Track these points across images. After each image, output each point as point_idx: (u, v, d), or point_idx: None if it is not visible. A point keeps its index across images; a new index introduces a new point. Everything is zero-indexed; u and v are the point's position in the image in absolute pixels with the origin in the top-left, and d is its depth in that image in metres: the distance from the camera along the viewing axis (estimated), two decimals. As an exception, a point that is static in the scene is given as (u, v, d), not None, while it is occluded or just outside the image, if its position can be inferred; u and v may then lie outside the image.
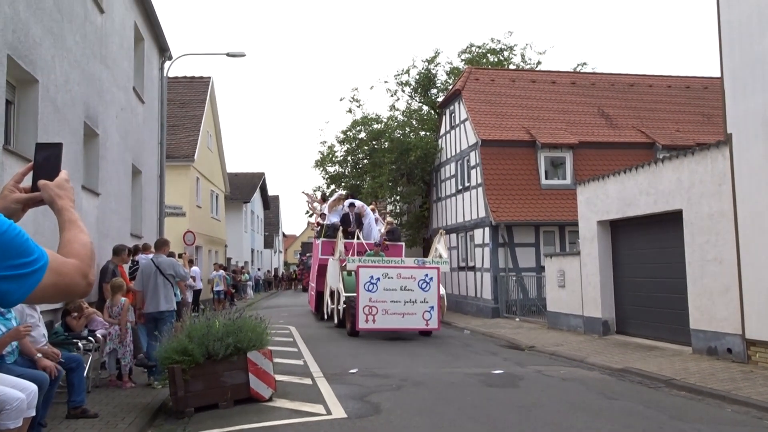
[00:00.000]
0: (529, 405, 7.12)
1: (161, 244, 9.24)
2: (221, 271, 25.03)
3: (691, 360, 9.84)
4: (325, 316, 16.81)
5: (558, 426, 6.16)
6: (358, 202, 19.76)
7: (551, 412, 6.80)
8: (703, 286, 10.25)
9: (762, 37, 9.00)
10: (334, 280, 15.61)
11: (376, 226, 18.69)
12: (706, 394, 7.61)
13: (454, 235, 23.36)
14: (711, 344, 10.04)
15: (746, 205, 9.21)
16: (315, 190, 34.48)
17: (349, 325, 14.12)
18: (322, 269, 17.36)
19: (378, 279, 13.36)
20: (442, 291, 14.32)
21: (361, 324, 13.25)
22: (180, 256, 12.56)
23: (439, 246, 15.58)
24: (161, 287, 8.63)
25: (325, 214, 19.44)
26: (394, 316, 13.32)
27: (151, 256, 9.47)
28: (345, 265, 14.64)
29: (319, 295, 18.34)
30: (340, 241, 15.88)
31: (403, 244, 18.98)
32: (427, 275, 13.66)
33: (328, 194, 25.31)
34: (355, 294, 13.73)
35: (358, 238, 17.31)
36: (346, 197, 19.93)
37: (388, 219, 19.57)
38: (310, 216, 35.68)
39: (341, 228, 17.03)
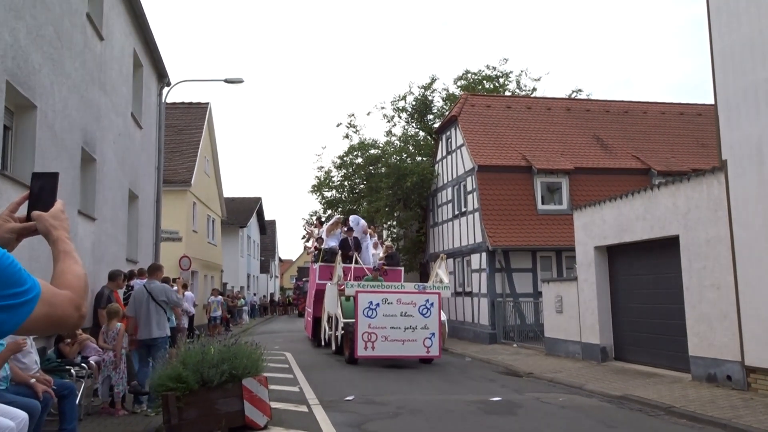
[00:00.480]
0: (527, 433, 7.02)
1: (154, 270, 9.16)
2: (219, 297, 24.67)
3: (691, 387, 9.75)
4: (323, 343, 16.53)
5: (557, 455, 6.06)
6: (362, 221, 19.49)
7: (550, 440, 6.70)
8: (701, 312, 10.21)
9: (754, 66, 9.12)
10: (332, 305, 15.27)
11: (374, 251, 18.45)
12: (707, 422, 7.53)
13: (451, 260, 23.29)
14: (710, 371, 9.96)
15: (742, 230, 9.23)
16: (312, 215, 34.56)
17: (348, 353, 13.76)
18: (320, 294, 17.01)
19: (377, 304, 13.00)
20: (443, 317, 14.02)
21: (360, 351, 12.89)
22: (174, 281, 12.48)
23: (440, 270, 15.25)
24: (153, 313, 8.56)
25: (322, 239, 19.25)
26: (394, 343, 12.96)
27: (144, 281, 9.39)
28: (343, 290, 14.36)
29: (316, 321, 17.99)
30: (339, 266, 15.64)
31: (402, 268, 18.69)
32: (427, 301, 13.32)
33: (324, 219, 25.20)
34: (353, 320, 13.35)
35: (356, 262, 17.03)
36: (344, 222, 19.79)
37: (387, 243, 19.31)
38: (307, 241, 35.61)
39: (340, 252, 16.80)
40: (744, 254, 9.21)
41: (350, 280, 15.40)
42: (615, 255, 13.28)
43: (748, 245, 9.11)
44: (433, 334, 13.12)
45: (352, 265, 16.68)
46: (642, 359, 12.19)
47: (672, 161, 22.15)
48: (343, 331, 14.23)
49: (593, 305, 13.41)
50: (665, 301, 11.48)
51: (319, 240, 19.32)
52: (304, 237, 38.61)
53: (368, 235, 19.20)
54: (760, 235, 8.87)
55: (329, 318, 15.76)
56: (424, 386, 10.57)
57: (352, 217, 19.86)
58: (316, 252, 18.92)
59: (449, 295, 15.83)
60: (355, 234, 18.30)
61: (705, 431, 7.25)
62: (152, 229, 15.65)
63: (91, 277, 10.14)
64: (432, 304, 13.27)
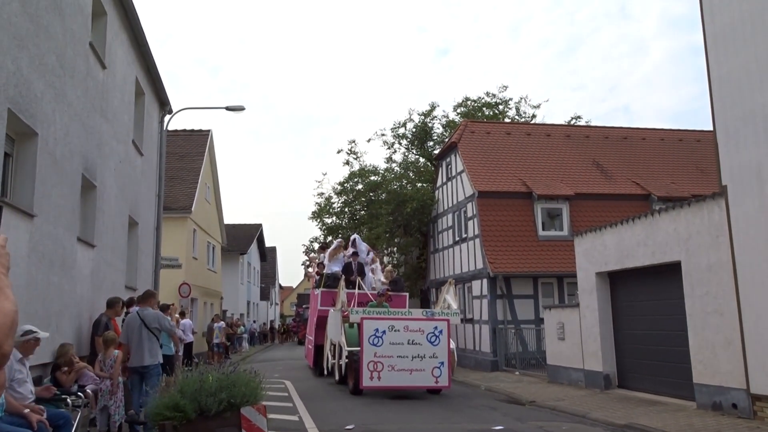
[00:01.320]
0: (531, 463, 6.88)
1: (147, 297, 9.10)
2: (222, 323, 23.80)
3: (696, 415, 9.60)
4: (325, 372, 15.98)
5: (561, 486, 5.94)
6: (363, 246, 18.93)
7: (554, 471, 6.57)
8: (704, 338, 10.10)
9: (752, 92, 9.18)
10: (335, 332, 14.64)
11: (377, 276, 17.87)
12: (713, 452, 7.39)
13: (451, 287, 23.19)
14: (715, 399, 9.82)
15: (744, 256, 9.19)
16: (312, 242, 34.51)
17: (352, 383, 13.07)
18: (322, 321, 16.46)
19: (383, 332, 12.36)
20: (452, 345, 13.36)
21: (366, 381, 12.22)
22: (168, 308, 12.37)
23: (448, 296, 14.60)
24: (146, 341, 8.49)
25: (323, 264, 18.62)
26: (401, 373, 12.29)
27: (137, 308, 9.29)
28: (347, 317, 13.74)
29: (318, 349, 17.47)
30: (342, 291, 14.97)
31: (407, 294, 18.19)
32: (436, 328, 12.69)
33: (326, 244, 24.50)
34: (358, 348, 12.70)
35: (360, 288, 16.36)
36: (345, 246, 19.30)
37: (388, 268, 18.68)
38: (308, 267, 35.50)
39: (343, 277, 16.23)
40: (746, 279, 9.15)
41: (354, 306, 14.74)
42: (617, 281, 13.21)
43: (751, 270, 9.06)
44: (442, 363, 12.51)
45: (356, 291, 16.02)
46: (646, 387, 12.03)
47: (672, 187, 22.19)
48: (347, 360, 13.58)
49: (595, 332, 13.29)
50: (668, 328, 11.37)
51: (321, 265, 18.79)
52: (304, 263, 38.58)
53: (371, 259, 18.62)
54: (763, 260, 8.82)
55: (332, 346, 15.21)
56: (425, 415, 10.41)
57: (356, 237, 19.11)
58: (318, 277, 18.36)
59: (458, 321, 15.09)
60: (359, 259, 17.80)
61: (712, 461, 7.11)
62: (152, 256, 15.60)
63: (90, 304, 10.08)
64: (441, 332, 12.68)
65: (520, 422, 9.67)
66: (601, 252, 13.26)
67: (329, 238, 29.82)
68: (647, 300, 12.14)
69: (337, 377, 14.58)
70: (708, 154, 22.06)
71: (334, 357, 14.92)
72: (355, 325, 13.58)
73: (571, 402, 11.62)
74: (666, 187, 22.10)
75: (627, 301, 12.84)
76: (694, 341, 10.33)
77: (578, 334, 13.95)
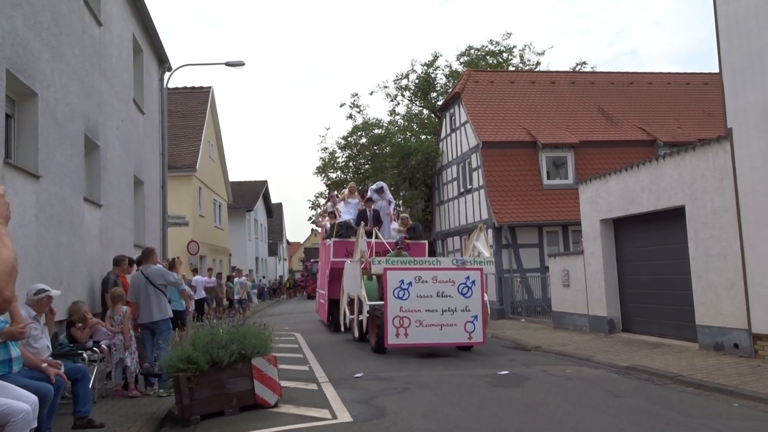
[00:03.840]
0: (535, 405, 7.09)
1: (148, 254, 9.22)
2: (243, 278, 22.75)
3: (698, 356, 9.79)
4: (342, 328, 15.01)
5: (565, 425, 6.13)
6: (389, 195, 17.28)
7: (558, 411, 6.77)
8: (707, 281, 10.21)
9: (760, 31, 8.99)
10: (353, 285, 13.47)
11: (393, 224, 16.57)
12: (714, 390, 7.57)
13: (457, 238, 23.33)
14: (717, 340, 9.99)
15: (748, 199, 9.18)
16: (317, 196, 34.58)
17: (375, 340, 11.86)
18: (336, 273, 15.40)
19: (410, 284, 11.14)
20: (486, 297, 12.08)
21: (391, 339, 11.01)
22: (172, 261, 12.53)
23: (478, 243, 13.04)
24: (153, 297, 8.68)
25: (334, 213, 17.33)
26: (431, 329, 11.08)
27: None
28: (368, 268, 12.55)
29: (332, 304, 16.50)
30: (362, 240, 13.39)
31: (426, 242, 16.72)
32: (468, 278, 11.43)
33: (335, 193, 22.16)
34: (380, 302, 11.69)
35: (376, 237, 14.76)
36: (366, 194, 17.44)
37: (404, 215, 17.21)
38: (315, 221, 35.63)
39: (363, 224, 14.64)
40: (750, 222, 9.17)
41: (371, 256, 13.33)
42: (621, 227, 13.25)
43: (755, 213, 9.07)
44: (475, 316, 11.31)
45: (373, 240, 14.41)
46: (649, 330, 12.23)
47: (678, 132, 21.96)
48: (368, 316, 12.37)
49: (600, 278, 13.42)
50: (672, 272, 11.47)
51: (331, 215, 17.48)
52: (310, 219, 38.76)
53: (390, 205, 17.21)
54: (766, 203, 8.82)
55: (350, 300, 14.11)
56: (432, 362, 10.66)
57: (384, 185, 17.51)
58: (330, 226, 16.81)
59: (493, 270, 13.42)
60: (374, 206, 16.29)
61: (712, 398, 7.29)
62: (159, 215, 15.73)
63: (100, 262, 10.25)
64: (473, 282, 11.44)
65: (526, 367, 9.89)
66: (605, 199, 13.26)
67: (335, 192, 29.93)
68: (651, 245, 12.21)
69: (356, 334, 13.63)
70: (715, 97, 21.68)
71: (352, 312, 13.91)
72: (374, 277, 12.84)
73: (575, 347, 11.85)
74: (672, 132, 21.88)
75: (631, 247, 12.91)
76: (698, 284, 10.44)
77: (583, 281, 14.10)
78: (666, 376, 8.52)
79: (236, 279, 22.48)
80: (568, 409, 6.85)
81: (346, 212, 16.65)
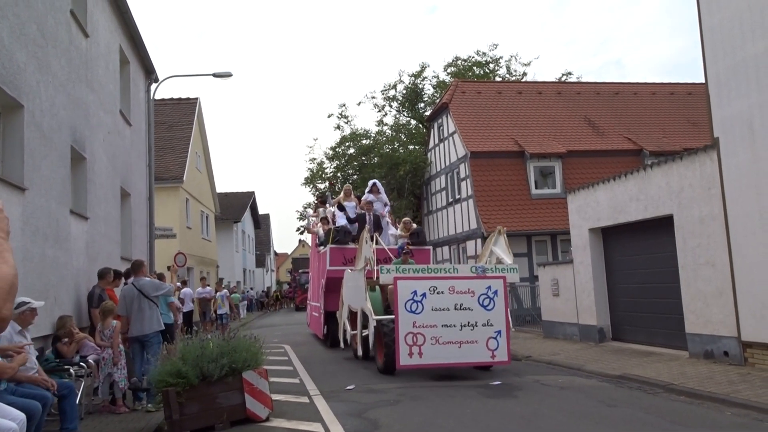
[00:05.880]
0: (528, 415, 7.06)
1: (137, 267, 9.11)
2: (225, 291, 21.26)
3: (689, 364, 9.82)
4: (341, 345, 13.29)
5: (559, 436, 6.10)
6: (384, 196, 15.87)
7: (551, 421, 6.75)
8: (697, 289, 10.26)
9: (743, 42, 9.11)
10: (356, 297, 11.89)
11: (392, 230, 15.19)
12: (706, 398, 7.58)
13: (446, 248, 23.34)
14: (707, 348, 10.03)
15: (736, 207, 9.27)
16: (306, 207, 34.47)
17: (383, 360, 10.47)
18: (333, 283, 13.96)
19: (423, 295, 9.77)
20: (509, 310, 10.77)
21: (404, 359, 9.57)
22: (161, 275, 12.39)
23: (497, 248, 11.33)
24: (146, 310, 8.56)
25: (327, 219, 15.98)
26: (448, 347, 9.67)
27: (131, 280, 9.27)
28: (375, 278, 11.18)
29: (329, 317, 15.11)
30: (366, 245, 11.38)
31: (431, 248, 15.47)
32: (489, 288, 10.04)
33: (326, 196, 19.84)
34: (389, 317, 10.49)
35: (377, 243, 13.06)
36: (353, 193, 16.36)
37: (406, 219, 15.76)
38: (302, 232, 35.37)
39: (368, 228, 12.81)
40: (738, 231, 9.25)
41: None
42: (610, 236, 13.32)
43: (742, 221, 9.15)
44: (498, 332, 9.90)
45: (374, 246, 12.16)
46: (639, 339, 12.27)
47: (664, 141, 22.21)
48: (375, 331, 10.96)
49: (589, 287, 13.46)
50: (661, 281, 11.53)
51: (324, 220, 16.14)
52: (298, 230, 38.61)
53: (386, 207, 15.83)
54: (753, 211, 8.91)
55: (351, 314, 12.55)
56: (422, 373, 10.59)
57: (376, 182, 16.26)
58: (326, 233, 15.26)
59: (517, 279, 11.46)
60: (374, 209, 14.88)
61: (704, 407, 7.30)
62: (146, 227, 15.57)
63: (87, 276, 10.10)
64: (495, 293, 10.05)
65: (518, 377, 9.86)
66: (594, 208, 13.33)
67: (327, 194, 29.76)
68: (640, 254, 12.28)
69: (360, 352, 11.95)
70: (699, 106, 22.02)
71: (354, 327, 12.33)
72: (377, 287, 11.75)
73: (566, 356, 11.85)
74: (658, 142, 22.12)
75: (620, 256, 12.98)
76: (687, 292, 10.50)
77: (572, 290, 14.14)
78: (658, 384, 8.53)
79: (217, 293, 20.74)
80: (562, 419, 6.83)
81: (342, 217, 15.20)
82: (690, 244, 10.37)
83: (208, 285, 20.21)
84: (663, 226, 11.13)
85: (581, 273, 13.80)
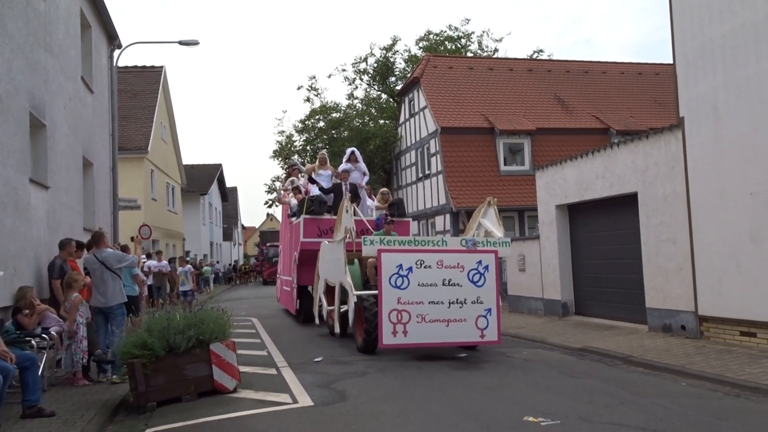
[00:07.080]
0: (494, 386, 7.21)
1: (98, 238, 8.88)
2: (188, 266, 20.02)
3: (647, 337, 10.13)
4: (316, 321, 12.78)
5: (524, 405, 6.24)
6: (363, 165, 14.99)
7: (516, 391, 6.90)
8: (657, 265, 10.54)
9: (712, 22, 9.24)
10: (334, 271, 11.16)
11: (370, 201, 14.56)
12: (662, 370, 7.85)
13: (415, 223, 23.44)
14: (666, 322, 10.36)
15: (698, 186, 9.50)
16: (274, 181, 34.13)
17: (363, 338, 9.83)
18: (307, 256, 13.32)
19: (410, 269, 9.09)
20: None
21: (387, 338, 8.92)
22: (125, 246, 12.16)
23: (485, 220, 10.40)
24: (109, 281, 8.39)
25: (300, 188, 14.92)
26: (435, 325, 9.06)
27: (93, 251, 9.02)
28: (357, 250, 10.57)
29: (302, 291, 14.52)
30: (347, 215, 10.56)
31: (410, 219, 14.83)
32: (480, 263, 9.38)
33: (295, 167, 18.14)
34: (371, 292, 9.92)
35: (355, 214, 11.67)
36: (330, 161, 15.46)
37: (383, 189, 15.16)
38: (270, 206, 35.00)
39: (348, 195, 12.30)
40: (699, 209, 9.49)
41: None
42: (576, 213, 13.54)
43: (703, 200, 9.39)
44: (489, 310, 9.29)
45: (352, 217, 10.97)
46: (601, 313, 12.59)
47: (630, 120, 22.56)
48: (354, 307, 10.18)
49: (555, 262, 13.71)
50: (624, 257, 11.81)
51: (296, 190, 15.04)
52: (266, 203, 38.25)
53: (365, 177, 14.93)
54: (715, 190, 9.14)
55: (328, 288, 11.86)
56: (397, 350, 10.68)
57: (355, 150, 15.38)
58: (299, 203, 14.39)
59: (509, 253, 10.73)
60: (351, 178, 14.09)
61: (661, 377, 7.56)
62: (109, 198, 15.23)
63: (48, 246, 9.84)
64: (486, 268, 9.40)
65: (484, 350, 10.03)
66: (561, 185, 13.51)
67: (291, 178, 29.49)
68: (604, 231, 12.53)
69: (337, 329, 11.21)
70: (666, 86, 22.37)
71: (331, 303, 11.69)
72: (356, 260, 11.29)
73: (530, 329, 12.10)
74: (625, 121, 22.46)
75: (585, 232, 13.22)
76: (648, 268, 10.78)
77: (538, 265, 14.38)
78: (617, 357, 8.79)
79: (180, 268, 19.38)
80: (526, 390, 6.99)
81: (315, 189, 14.46)
82: (653, 221, 10.62)
83: (165, 260, 18.71)
84: (628, 203, 11.35)
85: (547, 249, 14.03)
